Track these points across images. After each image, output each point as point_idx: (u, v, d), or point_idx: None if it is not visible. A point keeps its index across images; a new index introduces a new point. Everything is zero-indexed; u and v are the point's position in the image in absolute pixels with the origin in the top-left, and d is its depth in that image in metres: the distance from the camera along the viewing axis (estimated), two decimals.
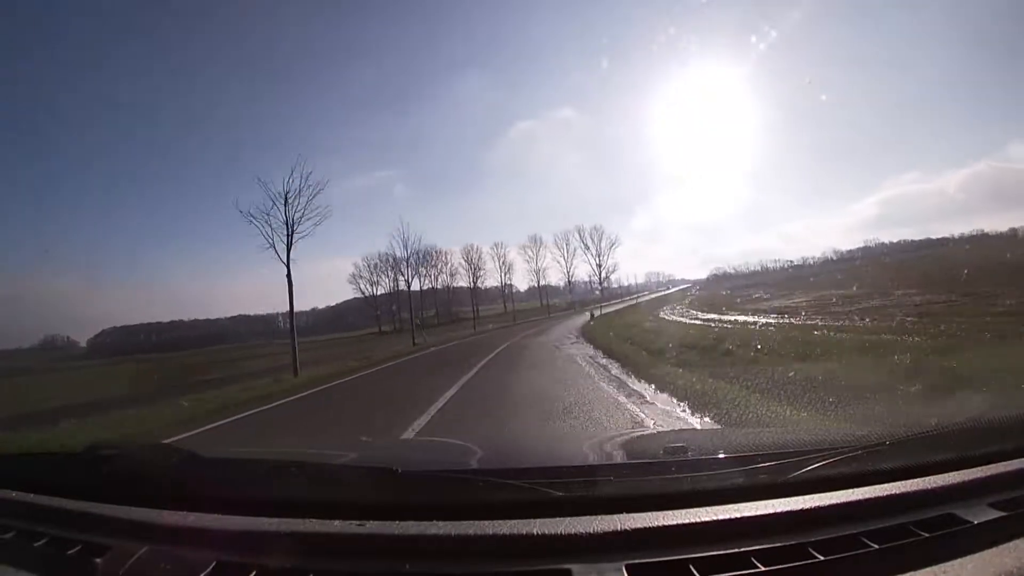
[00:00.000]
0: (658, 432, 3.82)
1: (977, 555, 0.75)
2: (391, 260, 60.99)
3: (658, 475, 0.94)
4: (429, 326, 54.89)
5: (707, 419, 4.76)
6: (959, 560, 0.74)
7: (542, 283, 69.75)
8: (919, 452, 0.99)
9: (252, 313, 73.82)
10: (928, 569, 0.73)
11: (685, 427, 4.72)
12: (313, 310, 79.57)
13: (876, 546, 0.77)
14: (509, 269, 68.55)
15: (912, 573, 0.72)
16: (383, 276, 65.17)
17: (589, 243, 61.67)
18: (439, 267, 68.35)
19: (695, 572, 0.73)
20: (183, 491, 1.01)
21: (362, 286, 66.40)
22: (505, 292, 72.33)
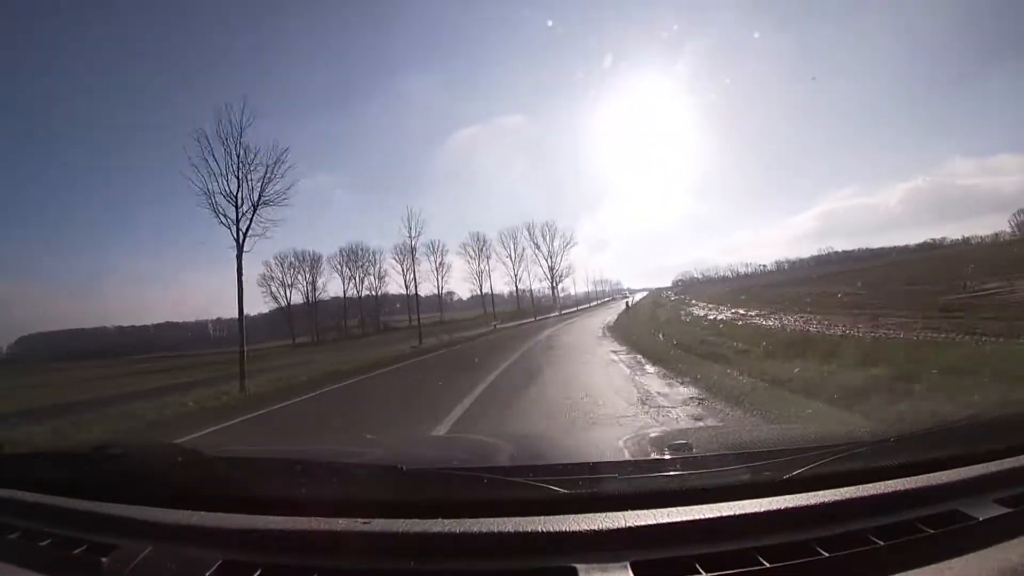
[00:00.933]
0: (663, 430, 3.82)
1: (982, 551, 0.75)
2: (308, 259, 53.17)
3: (663, 472, 0.94)
4: (327, 342, 44.49)
5: None
6: (964, 557, 0.74)
7: (486, 290, 57.53)
8: (924, 448, 0.99)
9: (181, 320, 66.31)
10: (933, 566, 0.73)
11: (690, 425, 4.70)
12: (246, 317, 70.83)
13: (881, 543, 0.77)
14: (447, 271, 57.88)
15: (917, 570, 0.72)
16: (299, 277, 55.35)
17: (540, 242, 53.00)
18: (365, 267, 57.98)
19: (700, 569, 0.73)
20: (188, 490, 1.01)
21: (273, 289, 55.17)
22: (443, 298, 60.71)
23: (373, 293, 59.32)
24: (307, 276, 56.61)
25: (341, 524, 0.84)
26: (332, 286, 59.69)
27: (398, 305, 56.55)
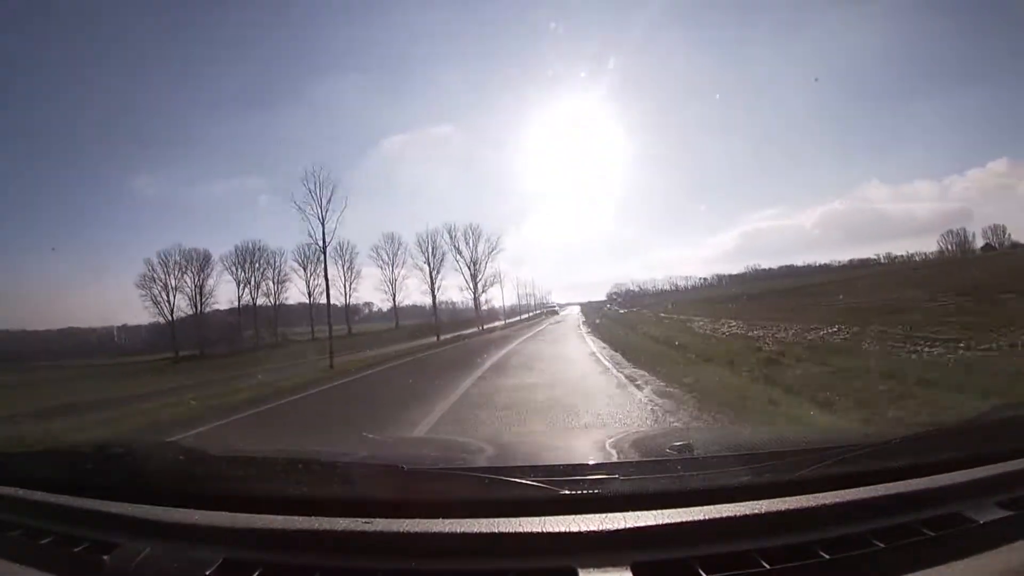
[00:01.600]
0: (664, 430, 3.82)
1: (983, 554, 0.75)
2: (195, 258, 43.71)
3: (664, 473, 0.94)
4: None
5: None
6: (966, 560, 0.74)
7: (403, 300, 47.29)
8: (926, 451, 0.99)
9: (85, 326, 53.43)
10: (935, 568, 0.73)
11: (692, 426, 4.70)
12: (153, 325, 51.20)
13: (882, 545, 0.77)
14: (355, 277, 46.65)
15: (918, 572, 0.72)
16: (186, 279, 44.57)
17: (462, 246, 44.18)
18: (262, 270, 46.51)
19: (701, 571, 0.73)
20: (190, 489, 1.01)
21: (155, 292, 44.46)
22: (357, 309, 49.07)
23: (271, 301, 48.06)
24: (195, 279, 45.75)
25: (342, 523, 0.84)
26: (226, 292, 48.58)
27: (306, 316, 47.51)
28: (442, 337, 30.12)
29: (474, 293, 43.61)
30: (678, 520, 0.79)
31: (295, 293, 48.49)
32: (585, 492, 0.88)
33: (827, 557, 0.75)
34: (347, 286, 47.48)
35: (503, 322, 45.34)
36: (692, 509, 0.81)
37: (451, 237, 44.95)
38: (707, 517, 0.80)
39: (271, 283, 47.50)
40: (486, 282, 44.59)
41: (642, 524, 0.79)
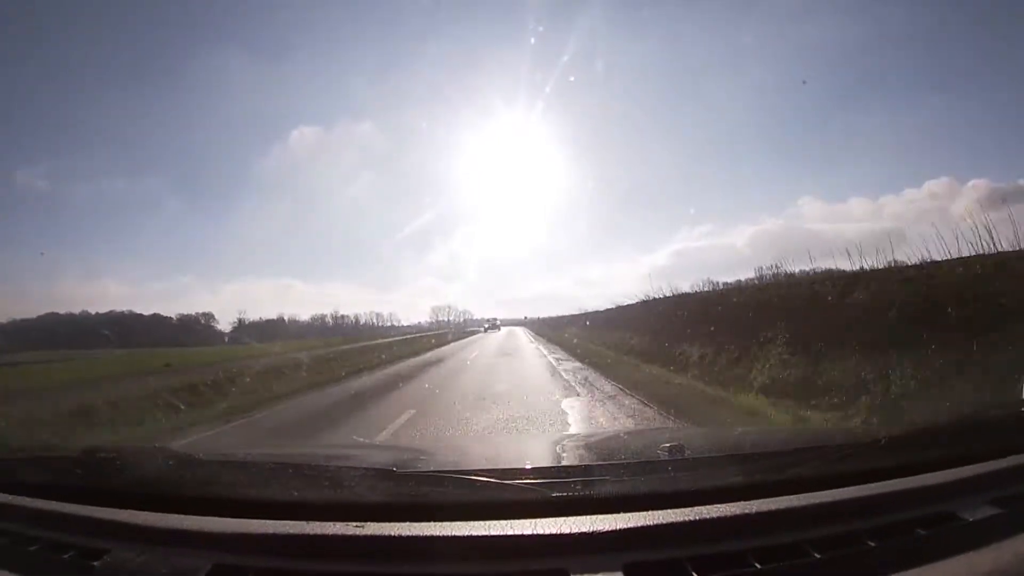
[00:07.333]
0: (655, 431, 3.84)
1: (975, 552, 0.75)
2: None
3: (655, 474, 0.94)
4: None
5: None
6: (957, 557, 0.74)
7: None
8: (916, 449, 0.99)
9: None
10: (926, 566, 0.73)
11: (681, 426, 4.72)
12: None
13: (873, 544, 0.77)
14: None
15: (909, 570, 0.73)
16: None
17: None
18: None
19: (693, 571, 0.73)
20: (180, 493, 1.00)
21: None
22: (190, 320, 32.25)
23: None
24: None
25: (333, 528, 0.84)
26: None
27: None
28: None
29: None
30: (669, 521, 0.79)
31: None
32: (576, 494, 0.88)
33: (819, 556, 0.75)
34: None
35: None
36: (684, 510, 0.81)
37: None
38: (699, 517, 0.80)
39: None
40: None
41: (633, 525, 0.79)
